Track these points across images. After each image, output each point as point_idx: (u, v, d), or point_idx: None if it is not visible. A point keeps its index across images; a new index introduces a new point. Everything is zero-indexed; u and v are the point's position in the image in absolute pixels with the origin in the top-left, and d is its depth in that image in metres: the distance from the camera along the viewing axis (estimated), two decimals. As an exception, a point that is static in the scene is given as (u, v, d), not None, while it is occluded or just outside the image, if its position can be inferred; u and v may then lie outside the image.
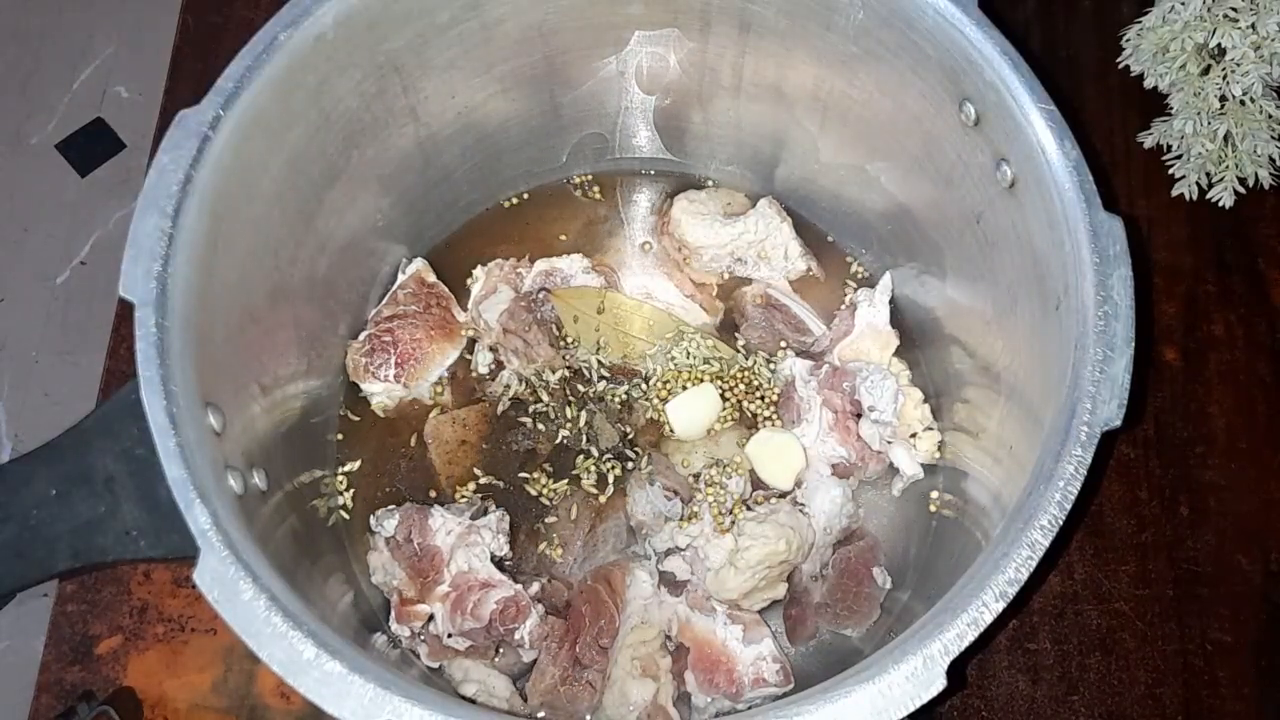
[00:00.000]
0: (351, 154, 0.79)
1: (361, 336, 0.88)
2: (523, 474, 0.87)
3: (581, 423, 0.87)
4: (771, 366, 0.90)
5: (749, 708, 0.65)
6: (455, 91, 0.83)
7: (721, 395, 0.88)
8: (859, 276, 0.95)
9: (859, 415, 0.84)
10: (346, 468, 0.87)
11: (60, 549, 0.63)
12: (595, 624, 0.79)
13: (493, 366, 0.90)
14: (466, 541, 0.80)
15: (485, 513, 0.83)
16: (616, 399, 0.88)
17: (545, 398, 0.88)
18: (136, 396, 0.58)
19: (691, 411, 0.87)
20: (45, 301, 1.74)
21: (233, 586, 0.55)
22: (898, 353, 0.88)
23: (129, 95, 1.86)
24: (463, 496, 0.86)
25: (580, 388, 0.89)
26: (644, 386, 0.89)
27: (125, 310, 0.88)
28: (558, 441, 0.88)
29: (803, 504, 0.83)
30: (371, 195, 0.85)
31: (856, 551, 0.83)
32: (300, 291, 0.79)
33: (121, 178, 1.81)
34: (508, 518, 0.84)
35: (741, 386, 0.89)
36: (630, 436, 0.88)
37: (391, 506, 0.82)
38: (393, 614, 0.80)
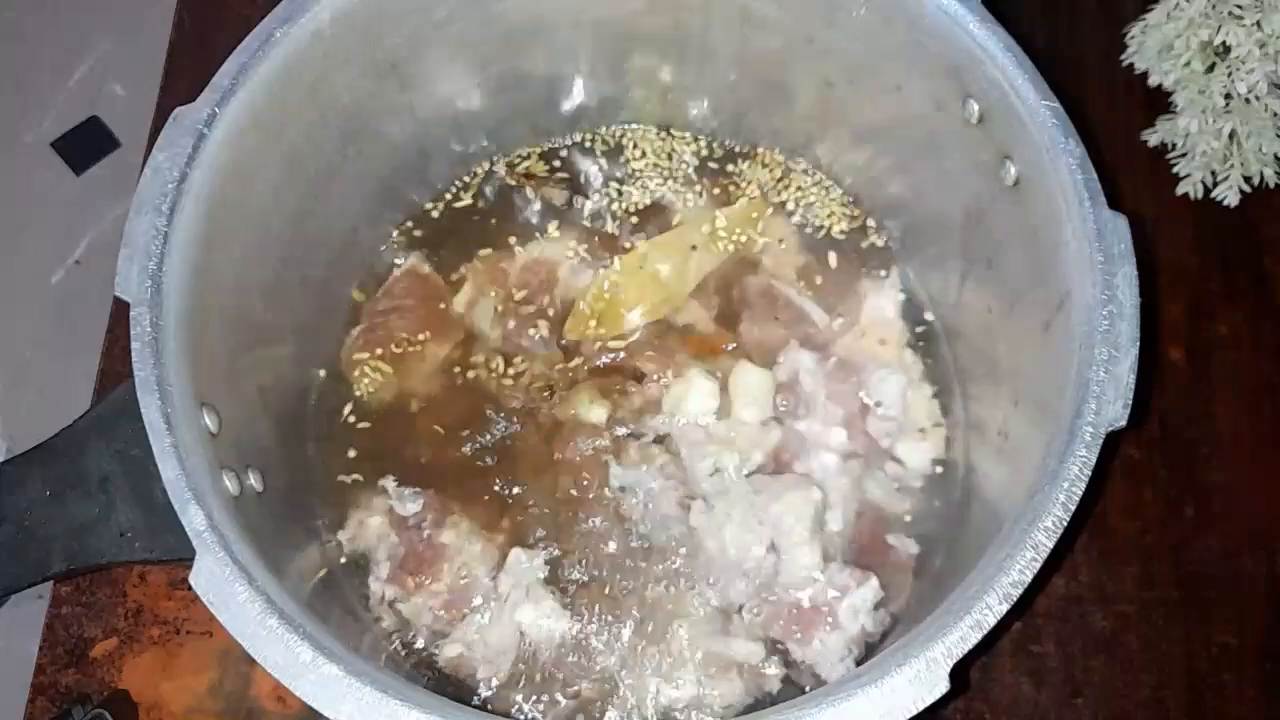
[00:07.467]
0: (348, 150, 0.79)
1: (356, 331, 0.87)
2: (520, 467, 0.86)
3: (578, 412, 0.86)
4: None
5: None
6: (452, 88, 0.83)
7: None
8: (863, 272, 0.94)
9: (865, 410, 0.83)
10: (342, 465, 0.86)
11: (55, 550, 0.63)
12: None
13: (488, 358, 0.90)
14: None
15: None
16: (614, 386, 0.87)
17: (543, 390, 0.88)
18: (131, 397, 0.58)
19: (692, 401, 0.85)
20: (40, 301, 1.73)
21: (228, 588, 0.54)
22: (903, 349, 0.88)
23: (124, 92, 1.85)
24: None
25: (577, 379, 0.88)
26: (641, 374, 0.87)
27: (120, 310, 0.88)
28: (555, 433, 0.86)
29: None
30: (368, 191, 0.84)
31: (864, 524, 0.81)
32: (296, 289, 0.79)
33: (117, 176, 1.80)
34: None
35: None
36: (627, 422, 0.86)
37: (418, 489, 0.82)
38: (384, 574, 0.79)
